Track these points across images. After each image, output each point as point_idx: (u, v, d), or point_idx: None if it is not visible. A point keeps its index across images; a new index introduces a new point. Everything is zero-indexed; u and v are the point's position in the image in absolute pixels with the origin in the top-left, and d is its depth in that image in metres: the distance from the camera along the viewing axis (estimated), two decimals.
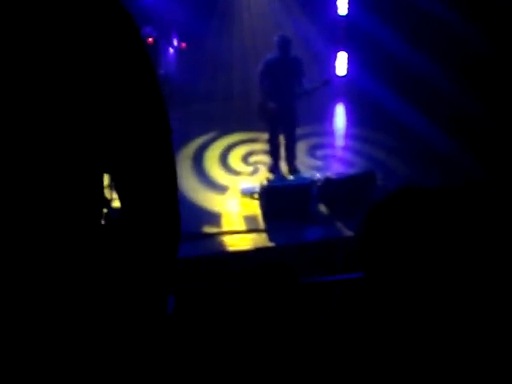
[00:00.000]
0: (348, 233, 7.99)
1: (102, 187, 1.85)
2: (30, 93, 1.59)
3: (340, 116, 12.34)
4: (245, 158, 10.24)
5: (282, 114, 9.21)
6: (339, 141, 11.24)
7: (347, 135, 11.47)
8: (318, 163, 9.97)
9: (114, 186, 1.85)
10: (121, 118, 1.73)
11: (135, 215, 1.81)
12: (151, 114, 1.78)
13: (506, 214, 1.37)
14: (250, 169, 9.92)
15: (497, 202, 1.39)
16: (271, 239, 8.17)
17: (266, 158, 9.78)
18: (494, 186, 1.40)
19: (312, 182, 8.85)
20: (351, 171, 9.33)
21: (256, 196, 8.87)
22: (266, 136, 9.62)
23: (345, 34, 12.28)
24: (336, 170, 9.64)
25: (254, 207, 8.75)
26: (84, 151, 1.72)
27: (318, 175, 9.21)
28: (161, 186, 1.82)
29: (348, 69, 12.41)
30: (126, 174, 1.80)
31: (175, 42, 12.01)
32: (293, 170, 9.54)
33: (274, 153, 9.60)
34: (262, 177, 9.44)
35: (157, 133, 1.79)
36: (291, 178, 9.39)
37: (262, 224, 8.44)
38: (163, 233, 1.83)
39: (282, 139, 9.52)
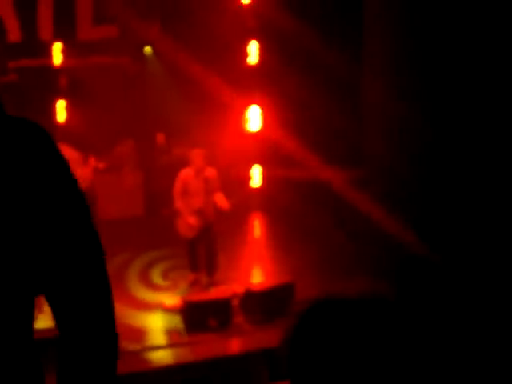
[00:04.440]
0: (270, 344, 8.05)
1: (32, 311, 1.91)
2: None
3: (257, 227, 12.56)
4: (165, 274, 10.28)
5: (201, 229, 9.39)
6: (259, 252, 11.41)
7: (266, 246, 11.66)
8: (238, 275, 10.08)
9: (52, 311, 1.93)
10: (54, 236, 1.84)
11: (73, 337, 1.88)
12: (81, 235, 1.88)
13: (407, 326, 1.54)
14: (171, 284, 9.96)
15: (398, 315, 1.55)
16: (194, 353, 8.17)
17: (186, 273, 9.85)
18: (395, 301, 1.57)
19: (233, 294, 8.94)
20: (271, 282, 9.45)
21: (178, 310, 8.90)
22: (184, 249, 9.73)
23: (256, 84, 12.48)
24: (256, 281, 9.77)
25: (176, 321, 8.76)
26: (22, 271, 1.82)
27: (238, 286, 9.30)
28: (97, 305, 1.91)
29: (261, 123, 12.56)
30: (61, 294, 1.88)
31: (93, 163, 12.08)
32: (214, 282, 9.63)
33: (193, 265, 9.69)
34: (183, 291, 9.49)
35: (89, 253, 1.89)
36: (212, 290, 9.46)
37: (184, 338, 8.45)
38: (103, 351, 1.91)
39: (201, 251, 9.65)
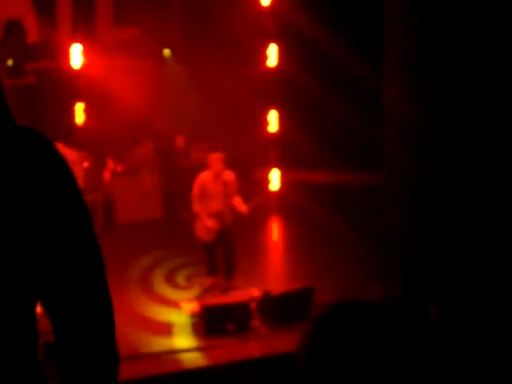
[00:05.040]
0: (288, 349, 8.01)
1: (34, 316, 1.90)
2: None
3: (275, 231, 12.53)
4: (183, 278, 10.28)
5: (219, 232, 9.37)
6: (277, 255, 11.38)
7: (284, 250, 11.62)
8: (256, 278, 10.04)
9: (49, 316, 1.90)
10: (53, 245, 1.82)
11: (72, 343, 1.86)
12: (82, 248, 1.86)
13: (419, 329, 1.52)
14: (189, 287, 9.95)
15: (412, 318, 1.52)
16: (211, 357, 8.14)
17: (204, 276, 9.84)
18: (410, 305, 1.54)
19: (251, 298, 8.91)
20: (289, 286, 9.41)
21: (195, 314, 8.88)
22: (202, 253, 9.72)
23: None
24: (275, 285, 9.72)
25: (194, 325, 8.75)
26: (22, 277, 1.80)
27: (256, 290, 9.27)
28: (96, 319, 1.87)
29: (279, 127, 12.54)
30: (59, 306, 1.86)
31: (111, 165, 12.12)
32: (232, 285, 9.60)
33: (211, 269, 9.67)
34: (201, 295, 9.48)
35: (89, 265, 1.87)
36: (230, 293, 9.43)
37: (201, 342, 8.43)
38: (101, 364, 1.87)
39: (219, 254, 9.63)
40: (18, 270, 1.79)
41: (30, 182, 1.79)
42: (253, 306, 8.84)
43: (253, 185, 11.86)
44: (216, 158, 9.37)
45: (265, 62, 12.60)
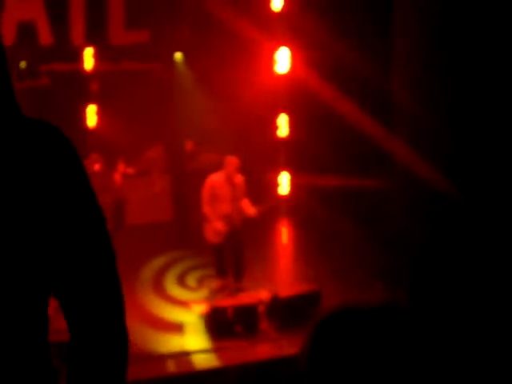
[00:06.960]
0: (295, 351, 8.03)
1: (46, 312, 1.91)
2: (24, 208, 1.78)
3: (285, 234, 12.55)
4: (192, 279, 10.32)
5: (228, 235, 9.42)
6: (286, 258, 11.41)
7: (293, 253, 11.64)
8: (265, 281, 10.07)
9: (63, 313, 1.92)
10: (66, 241, 1.84)
11: (83, 339, 1.88)
12: (94, 238, 1.88)
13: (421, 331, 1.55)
14: (198, 289, 9.99)
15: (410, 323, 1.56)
16: (219, 359, 8.17)
17: (214, 278, 9.88)
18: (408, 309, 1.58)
19: (259, 301, 8.94)
20: (297, 289, 9.43)
21: (204, 315, 8.93)
22: (211, 255, 9.77)
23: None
24: (283, 287, 9.75)
25: (202, 327, 8.79)
26: (35, 270, 1.82)
27: (265, 293, 9.30)
28: (108, 309, 1.89)
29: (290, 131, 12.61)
30: (73, 297, 1.88)
31: (122, 168, 12.15)
32: (241, 287, 9.64)
33: (220, 271, 9.72)
34: (210, 296, 9.52)
35: (101, 256, 1.89)
36: (238, 295, 9.46)
37: (212, 343, 8.46)
38: (112, 356, 1.89)
39: (228, 256, 9.67)
40: (31, 262, 1.81)
41: (42, 172, 1.79)
42: (261, 308, 8.88)
43: (262, 188, 11.89)
44: (232, 162, 9.42)
45: (275, 66, 12.63)
